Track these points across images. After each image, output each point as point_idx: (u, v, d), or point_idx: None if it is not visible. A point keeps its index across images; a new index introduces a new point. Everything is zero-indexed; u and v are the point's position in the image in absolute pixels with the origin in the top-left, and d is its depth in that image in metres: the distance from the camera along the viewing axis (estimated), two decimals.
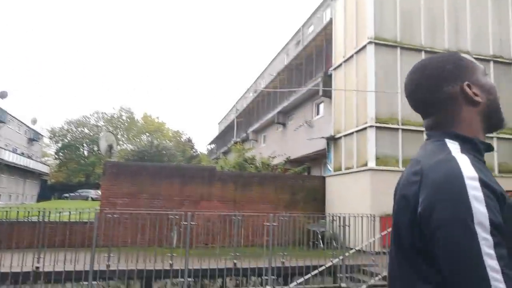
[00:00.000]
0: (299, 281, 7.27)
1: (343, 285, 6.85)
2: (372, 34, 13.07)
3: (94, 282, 6.83)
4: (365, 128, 12.89)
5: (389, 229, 8.48)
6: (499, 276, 0.78)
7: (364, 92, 12.84)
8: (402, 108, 12.71)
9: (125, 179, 13.20)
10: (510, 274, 0.79)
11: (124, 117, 60.16)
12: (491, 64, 13.82)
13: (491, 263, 0.79)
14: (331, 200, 14.68)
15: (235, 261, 7.97)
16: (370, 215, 8.34)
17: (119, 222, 7.97)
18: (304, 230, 9.70)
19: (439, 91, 1.04)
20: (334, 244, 8.74)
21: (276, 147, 20.88)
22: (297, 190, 15.06)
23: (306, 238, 8.79)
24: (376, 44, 13.01)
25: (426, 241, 0.89)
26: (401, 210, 0.98)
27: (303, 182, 15.34)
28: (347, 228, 7.25)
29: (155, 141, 52.24)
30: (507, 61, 14.13)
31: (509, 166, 13.45)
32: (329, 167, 15.47)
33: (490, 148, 1.05)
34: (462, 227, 0.82)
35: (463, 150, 0.96)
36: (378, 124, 12.60)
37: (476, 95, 1.03)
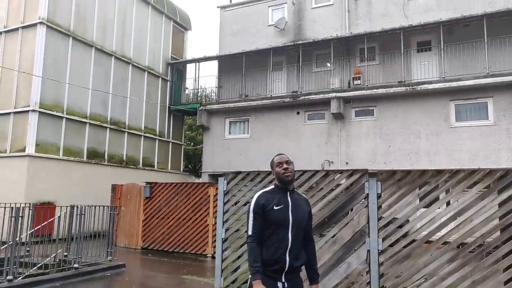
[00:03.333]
0: None
1: (9, 277, 6.59)
2: (45, 15, 12.53)
3: None
4: (26, 111, 12.20)
5: (51, 219, 8.74)
6: (250, 227, 2.81)
7: (29, 74, 12.09)
8: (68, 97, 13.05)
9: None
10: (253, 230, 2.78)
11: None
12: (146, 74, 16.72)
13: (250, 222, 2.82)
14: None
15: None
16: (27, 204, 8.27)
17: None
18: None
19: (273, 168, 2.95)
20: None
21: None
22: None
23: None
24: (48, 27, 12.58)
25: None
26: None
27: None
28: None
29: None
30: (157, 74, 17.49)
31: (149, 160, 16.82)
32: None
33: (283, 184, 2.87)
34: (248, 212, 2.86)
35: (270, 188, 2.93)
36: (42, 110, 12.29)
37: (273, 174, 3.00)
